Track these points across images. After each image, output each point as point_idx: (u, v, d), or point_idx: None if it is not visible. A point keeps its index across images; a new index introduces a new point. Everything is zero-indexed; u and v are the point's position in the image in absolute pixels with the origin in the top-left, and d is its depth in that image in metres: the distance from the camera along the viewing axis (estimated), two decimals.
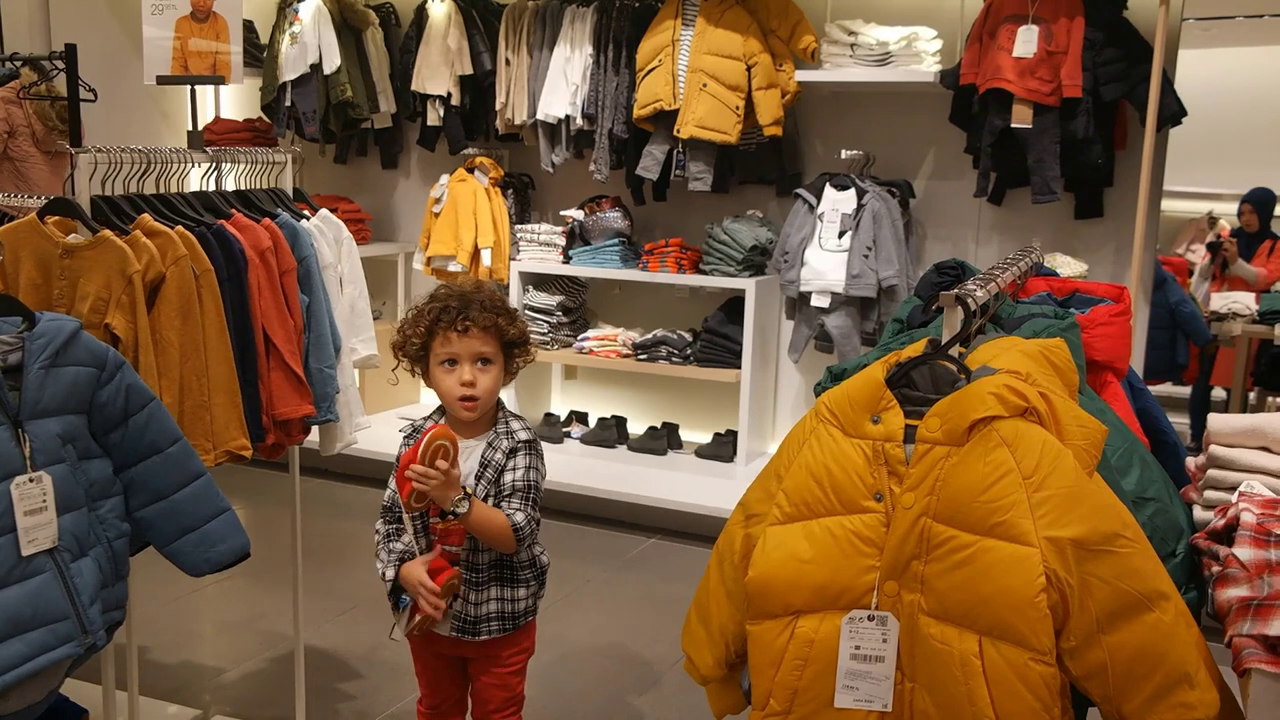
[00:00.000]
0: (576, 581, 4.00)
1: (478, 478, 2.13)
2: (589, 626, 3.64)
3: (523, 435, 2.17)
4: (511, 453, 2.14)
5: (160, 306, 2.30)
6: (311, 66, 5.05)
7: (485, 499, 2.11)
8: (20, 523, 1.78)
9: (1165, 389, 5.90)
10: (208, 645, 3.50)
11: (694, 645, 1.72)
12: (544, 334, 4.91)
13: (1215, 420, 1.83)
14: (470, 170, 5.03)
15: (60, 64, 3.07)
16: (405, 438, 2.23)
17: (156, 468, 2.04)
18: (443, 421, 2.18)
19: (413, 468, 1.98)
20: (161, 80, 2.81)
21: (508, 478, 2.12)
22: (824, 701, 1.51)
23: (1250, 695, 1.36)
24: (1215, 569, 1.57)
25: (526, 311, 4.94)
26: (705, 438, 4.99)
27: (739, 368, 4.57)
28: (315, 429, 2.70)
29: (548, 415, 5.19)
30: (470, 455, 2.15)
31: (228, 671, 3.30)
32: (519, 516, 2.09)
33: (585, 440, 5.07)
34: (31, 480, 1.80)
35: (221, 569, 2.13)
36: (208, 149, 2.68)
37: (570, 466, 4.72)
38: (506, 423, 2.18)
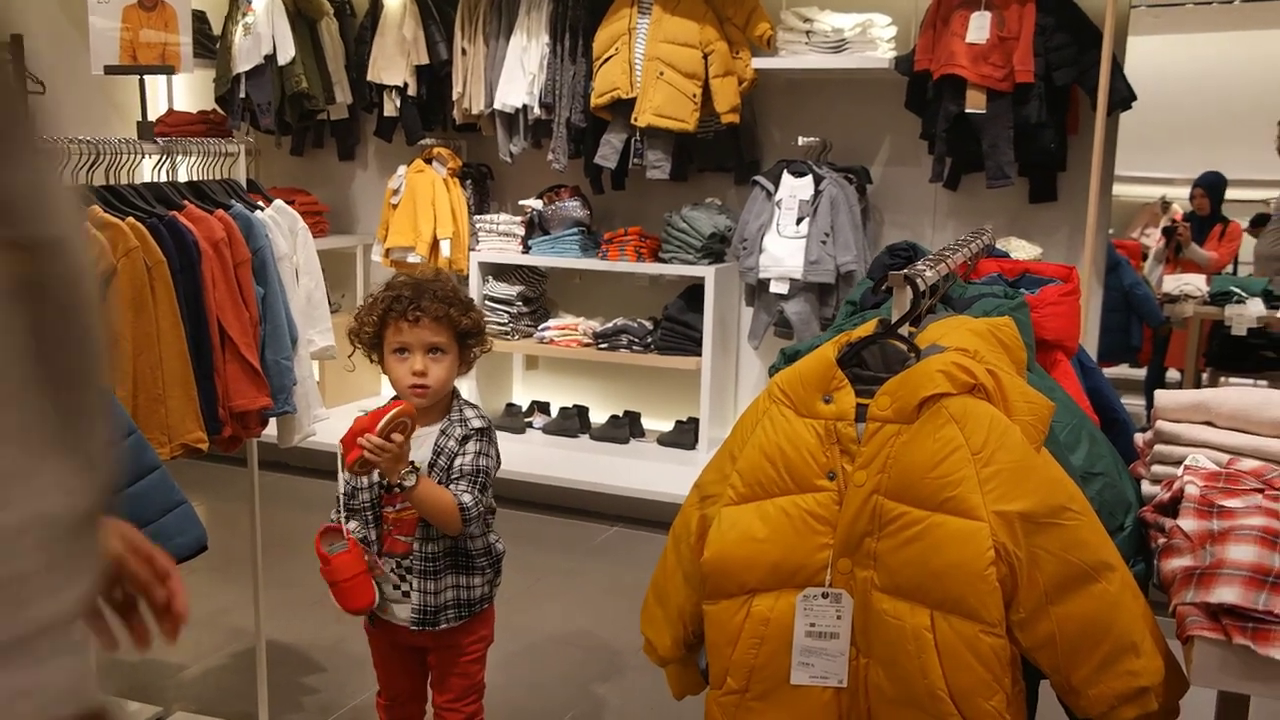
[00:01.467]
0: (540, 571, 4.01)
1: (431, 465, 2.13)
2: (552, 615, 3.65)
3: (476, 423, 2.18)
4: (464, 440, 2.15)
5: (111, 299, 2.28)
6: (266, 57, 5.00)
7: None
8: None
9: (1120, 370, 5.99)
10: None
11: (652, 627, 1.74)
12: (504, 324, 4.90)
13: (1162, 396, 1.86)
14: (428, 161, 5.01)
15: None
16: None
17: None
18: None
19: (367, 436, 1.97)
20: (110, 70, 2.78)
21: (458, 462, 2.14)
22: (780, 679, 1.52)
23: (1193, 661, 1.39)
24: (1161, 541, 1.60)
25: (486, 302, 4.93)
26: (667, 425, 5.01)
27: (699, 355, 4.59)
28: (273, 421, 2.68)
29: (509, 405, 5.19)
30: (424, 443, 2.15)
31: (189, 668, 3.28)
32: (466, 497, 2.10)
33: (547, 430, 5.07)
34: None
35: (179, 562, 2.11)
36: (158, 140, 2.66)
37: (532, 456, 4.72)
38: (461, 410, 2.19)
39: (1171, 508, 1.65)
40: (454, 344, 2.16)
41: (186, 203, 2.54)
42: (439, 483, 2.12)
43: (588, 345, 4.82)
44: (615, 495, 4.48)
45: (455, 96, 4.94)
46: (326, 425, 2.93)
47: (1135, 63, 4.16)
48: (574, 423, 5.05)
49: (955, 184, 4.45)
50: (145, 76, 2.86)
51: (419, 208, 4.91)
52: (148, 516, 2.08)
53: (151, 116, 3.30)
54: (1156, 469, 1.82)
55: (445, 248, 4.93)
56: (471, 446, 2.15)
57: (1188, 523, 1.55)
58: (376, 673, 2.34)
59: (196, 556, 2.14)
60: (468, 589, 2.21)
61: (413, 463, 2.06)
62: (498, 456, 2.21)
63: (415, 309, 2.10)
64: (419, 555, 2.16)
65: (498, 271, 5.02)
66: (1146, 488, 1.83)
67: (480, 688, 2.30)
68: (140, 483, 2.07)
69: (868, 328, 1.61)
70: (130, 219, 2.34)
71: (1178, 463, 1.77)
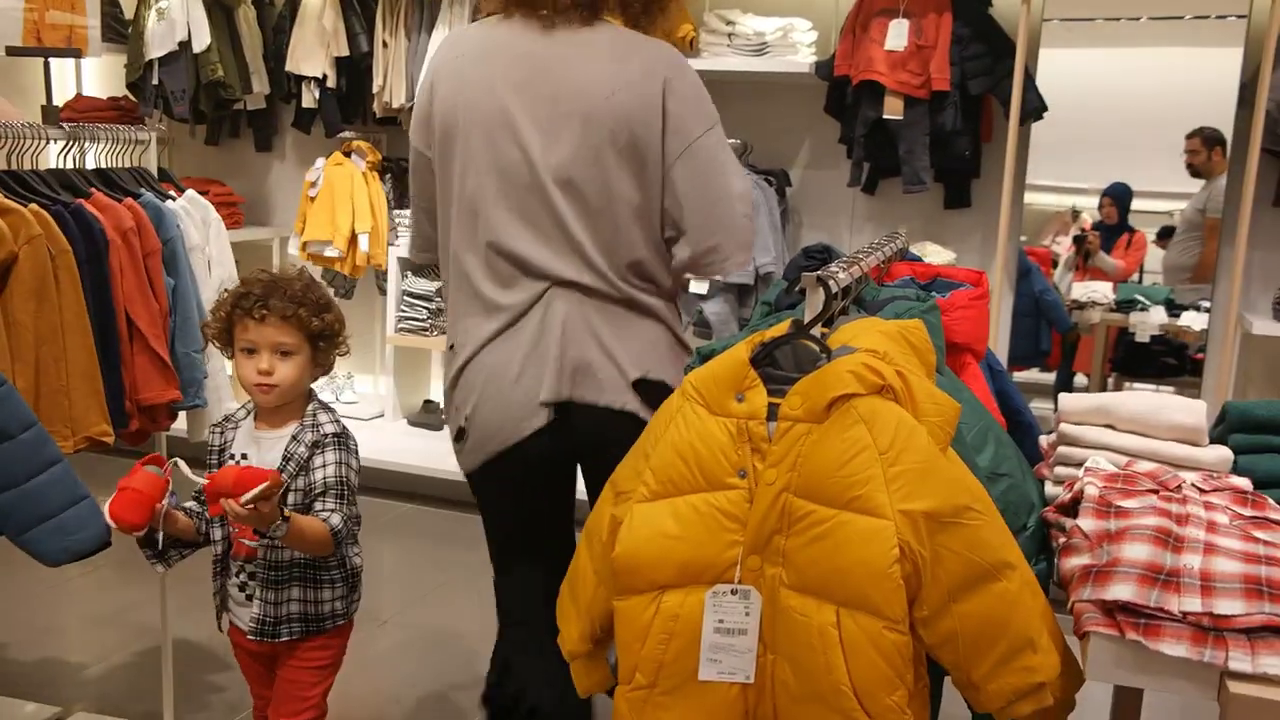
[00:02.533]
0: (456, 568, 3.98)
1: (280, 470, 2.03)
2: (468, 612, 3.63)
3: (329, 428, 2.09)
4: (316, 447, 2.06)
5: (13, 287, 2.21)
6: (180, 44, 4.88)
7: (287, 493, 2.03)
8: None
9: (1030, 375, 6.13)
10: (70, 640, 3.39)
11: (564, 620, 1.74)
12: (423, 320, 4.85)
13: (1065, 400, 1.91)
14: (347, 154, 4.94)
15: None
16: (213, 428, 2.18)
17: (7, 454, 1.98)
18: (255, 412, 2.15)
19: (229, 504, 1.84)
20: (12, 51, 2.70)
21: (318, 475, 2.05)
22: (688, 674, 1.53)
23: (1089, 656, 1.43)
24: (1061, 540, 1.65)
25: (405, 298, 4.88)
26: None
27: None
28: (183, 415, 2.63)
29: (427, 402, 5.15)
30: (273, 447, 2.08)
31: (91, 667, 3.20)
32: (335, 519, 2.02)
33: None
34: None
35: (81, 558, 2.07)
36: (64, 125, 2.59)
37: (448, 453, 4.67)
38: (314, 415, 2.11)
39: (1072, 508, 1.70)
40: (305, 345, 2.08)
41: (94, 190, 2.48)
42: (286, 489, 2.02)
43: None
44: None
45: (376, 89, 4.88)
46: None
47: (1048, 74, 4.27)
48: None
49: (873, 188, 4.52)
50: (51, 59, 2.78)
51: (337, 201, 4.84)
52: (49, 511, 2.03)
53: (59, 101, 3.21)
54: (1059, 470, 1.87)
55: (364, 242, 4.86)
56: (330, 456, 2.06)
57: (1087, 522, 1.59)
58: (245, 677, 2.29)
59: (100, 553, 2.09)
60: (315, 603, 2.13)
61: (282, 509, 1.93)
62: (358, 460, 2.13)
63: (262, 307, 2.03)
64: (264, 563, 2.09)
65: (417, 268, 4.97)
66: (1049, 489, 1.87)
67: (315, 710, 2.19)
68: (40, 476, 2.02)
69: (781, 328, 1.63)
70: (34, 205, 2.28)
71: (1079, 464, 1.82)
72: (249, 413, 2.16)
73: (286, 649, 2.14)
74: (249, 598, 2.11)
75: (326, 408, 2.15)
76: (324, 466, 2.06)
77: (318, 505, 2.04)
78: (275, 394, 2.06)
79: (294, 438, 2.07)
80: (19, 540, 2.03)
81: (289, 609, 2.10)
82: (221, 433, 2.16)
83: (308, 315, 2.05)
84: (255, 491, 1.82)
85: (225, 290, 2.14)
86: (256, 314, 2.03)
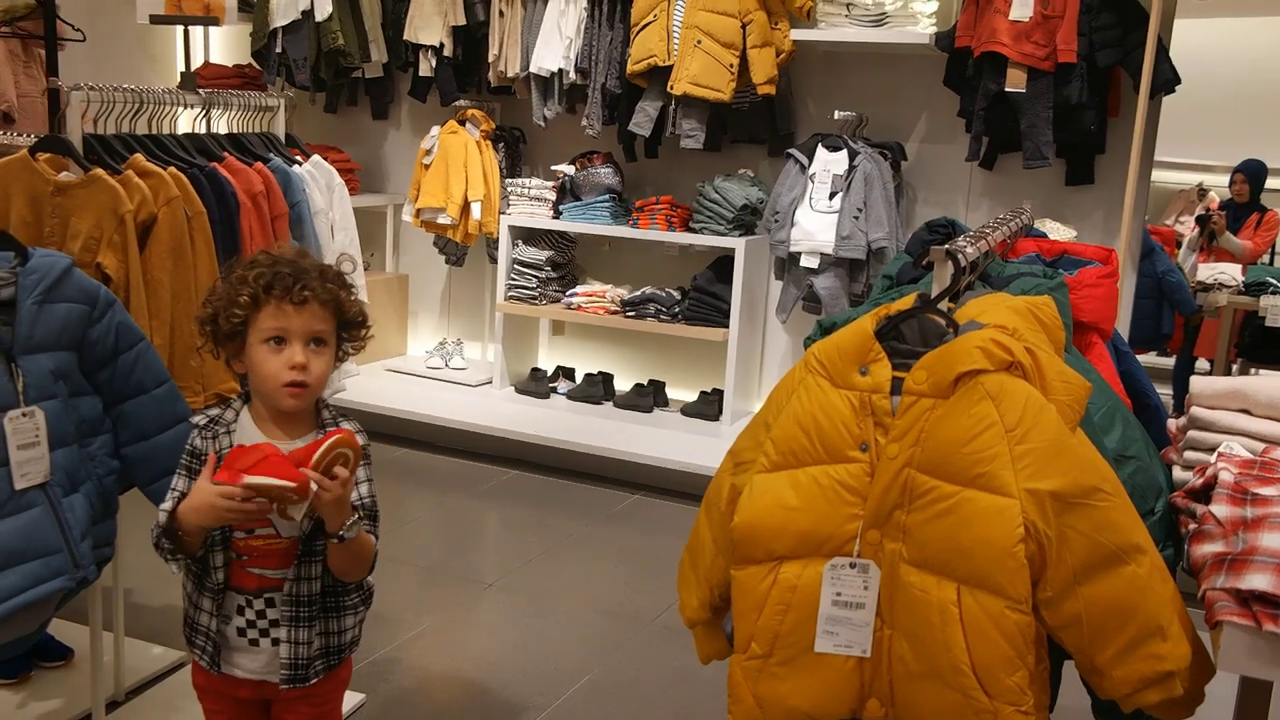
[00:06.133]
0: (558, 536, 4.03)
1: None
2: (571, 579, 3.68)
3: (358, 439, 1.73)
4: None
5: (152, 247, 2.30)
6: (303, 13, 5.00)
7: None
8: (13, 457, 1.80)
9: (1149, 359, 5.95)
10: None
11: (684, 586, 1.76)
12: (532, 289, 4.91)
13: (1197, 382, 1.85)
14: (461, 122, 5.00)
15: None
16: (201, 431, 1.75)
17: (142, 407, 2.06)
18: (246, 410, 1.77)
19: (313, 477, 1.57)
20: (155, 20, 2.81)
21: (352, 495, 1.70)
22: (804, 646, 1.54)
23: (1221, 647, 1.39)
24: (1192, 526, 1.60)
25: (515, 266, 4.93)
26: (691, 396, 5.01)
27: (726, 327, 4.58)
28: None
29: (534, 370, 5.21)
30: None
31: None
32: (375, 544, 1.77)
33: (572, 396, 5.08)
34: (25, 415, 1.81)
35: None
36: (200, 92, 2.67)
37: (556, 422, 4.74)
38: (337, 423, 1.77)
39: (1204, 494, 1.65)
40: (334, 335, 1.75)
41: (226, 154, 2.56)
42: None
43: (615, 313, 4.82)
44: (637, 464, 4.49)
45: (491, 59, 4.93)
46: (355, 382, 2.96)
47: (1180, 45, 4.10)
48: (598, 390, 5.06)
49: (991, 163, 4.41)
50: (188, 27, 2.87)
51: (451, 169, 4.91)
52: (174, 464, 2.11)
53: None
54: (1189, 455, 1.82)
55: (476, 210, 4.93)
56: (362, 474, 1.75)
57: (1220, 509, 1.54)
58: None
59: None
60: (338, 634, 1.82)
61: (356, 507, 1.69)
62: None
63: (302, 289, 1.68)
64: (288, 597, 1.74)
65: (527, 236, 5.02)
66: (1178, 473, 1.82)
67: None
68: (169, 431, 2.10)
69: (906, 302, 1.61)
70: (172, 168, 2.36)
71: (1211, 449, 1.77)
72: (239, 415, 1.76)
73: (301, 691, 1.81)
74: (253, 641, 1.77)
75: (331, 407, 1.82)
76: (358, 485, 1.75)
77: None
78: (305, 395, 1.71)
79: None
80: (147, 490, 2.12)
81: (315, 646, 1.79)
82: (214, 437, 1.74)
83: (346, 299, 1.76)
84: (327, 445, 1.56)
85: (230, 276, 1.73)
86: (297, 297, 1.68)
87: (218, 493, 1.57)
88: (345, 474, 1.60)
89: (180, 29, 2.87)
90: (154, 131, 2.53)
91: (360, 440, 1.69)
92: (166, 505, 1.71)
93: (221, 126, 2.79)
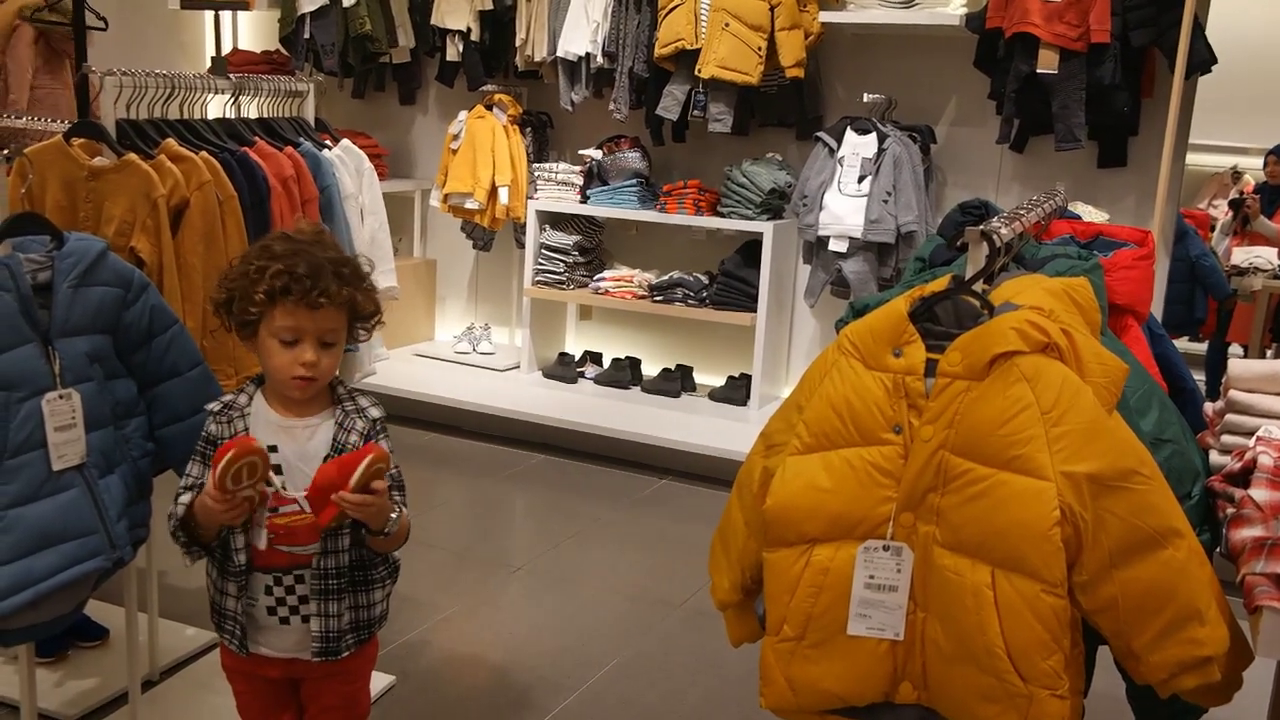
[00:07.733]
0: (585, 520, 4.04)
1: (326, 459, 1.77)
2: (598, 564, 3.69)
3: (374, 412, 1.83)
4: (370, 436, 1.80)
5: (184, 231, 2.31)
6: None
7: None
8: (51, 438, 1.82)
9: (1182, 344, 5.88)
10: None
11: (715, 569, 1.75)
12: (560, 273, 4.91)
13: (1236, 365, 1.83)
14: (489, 107, 5.00)
15: None
16: (216, 418, 1.80)
17: (175, 390, 2.07)
18: (259, 392, 1.83)
19: (342, 495, 1.65)
20: (186, 5, 2.81)
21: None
22: (837, 629, 1.53)
23: (1260, 632, 1.37)
24: (1230, 510, 1.59)
25: (543, 250, 4.93)
26: (719, 381, 5.00)
27: (754, 311, 4.57)
28: None
29: (562, 355, 5.21)
30: (314, 435, 1.79)
31: None
32: (406, 515, 1.82)
33: (599, 380, 5.09)
34: (61, 397, 1.83)
35: None
36: (231, 77, 2.68)
37: (584, 406, 4.74)
38: (354, 399, 1.83)
39: (1242, 478, 1.63)
40: (346, 329, 1.79)
41: (257, 139, 2.57)
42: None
43: (642, 297, 4.82)
44: (665, 448, 4.49)
45: (518, 43, 4.92)
46: (386, 365, 2.97)
47: (1215, 24, 4.04)
48: (626, 374, 5.06)
49: (1022, 146, 4.37)
50: (217, 13, 2.88)
51: (478, 154, 4.91)
52: None
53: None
54: (1226, 439, 1.80)
55: (503, 195, 4.93)
56: (384, 446, 1.77)
57: (1260, 493, 1.53)
58: (241, 717, 1.98)
59: None
60: (367, 608, 1.86)
61: (397, 502, 1.77)
62: None
63: (319, 294, 1.70)
64: (317, 571, 1.78)
65: (555, 220, 5.02)
66: (1215, 457, 1.80)
67: (365, 715, 2.01)
68: (201, 414, 2.11)
69: (940, 283, 1.60)
70: (203, 153, 2.37)
71: (1249, 433, 1.75)
72: (252, 399, 1.82)
73: (331, 668, 1.86)
74: (284, 619, 1.81)
75: (359, 389, 1.88)
76: None
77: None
78: (312, 389, 1.77)
79: (340, 425, 1.79)
80: (180, 472, 2.13)
81: (345, 620, 1.83)
82: (228, 422, 1.79)
83: (362, 299, 1.78)
84: (362, 467, 1.63)
85: (243, 263, 1.76)
86: (313, 302, 1.70)
87: (354, 510, 1.67)
88: (383, 485, 1.69)
89: (210, 15, 2.87)
90: (185, 117, 2.55)
91: (377, 413, 1.82)
92: (184, 498, 1.78)
93: (252, 111, 2.81)
